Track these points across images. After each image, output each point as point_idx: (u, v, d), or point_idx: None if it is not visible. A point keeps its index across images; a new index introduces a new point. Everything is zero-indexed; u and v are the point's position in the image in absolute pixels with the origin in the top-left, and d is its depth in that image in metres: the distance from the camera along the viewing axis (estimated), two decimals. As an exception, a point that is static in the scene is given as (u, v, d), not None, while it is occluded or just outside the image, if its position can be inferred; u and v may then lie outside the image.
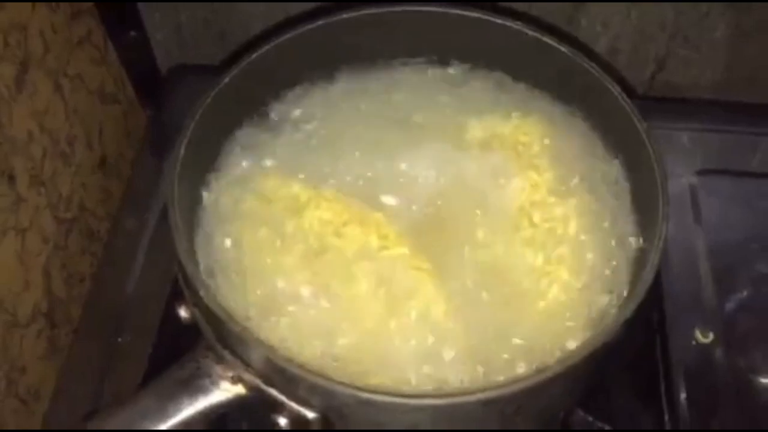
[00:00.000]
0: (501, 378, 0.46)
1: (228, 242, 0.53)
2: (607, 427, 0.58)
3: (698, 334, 0.64)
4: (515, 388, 0.42)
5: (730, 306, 0.66)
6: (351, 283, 0.50)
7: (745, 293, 0.67)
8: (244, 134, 0.58)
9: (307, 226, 0.52)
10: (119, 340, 0.65)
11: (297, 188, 0.54)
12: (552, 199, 0.54)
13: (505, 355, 0.48)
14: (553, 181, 0.56)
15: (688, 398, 0.61)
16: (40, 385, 0.64)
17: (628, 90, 0.56)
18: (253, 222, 0.53)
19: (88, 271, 0.71)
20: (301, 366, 0.44)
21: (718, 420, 0.60)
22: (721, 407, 0.61)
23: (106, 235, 0.73)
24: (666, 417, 0.61)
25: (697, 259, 0.68)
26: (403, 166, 0.56)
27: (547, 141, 0.58)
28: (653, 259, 0.46)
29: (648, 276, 0.46)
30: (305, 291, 0.50)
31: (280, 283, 0.50)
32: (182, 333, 0.52)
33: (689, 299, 0.66)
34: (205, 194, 0.55)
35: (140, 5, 0.76)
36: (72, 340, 0.67)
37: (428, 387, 0.46)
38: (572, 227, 0.54)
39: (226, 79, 0.54)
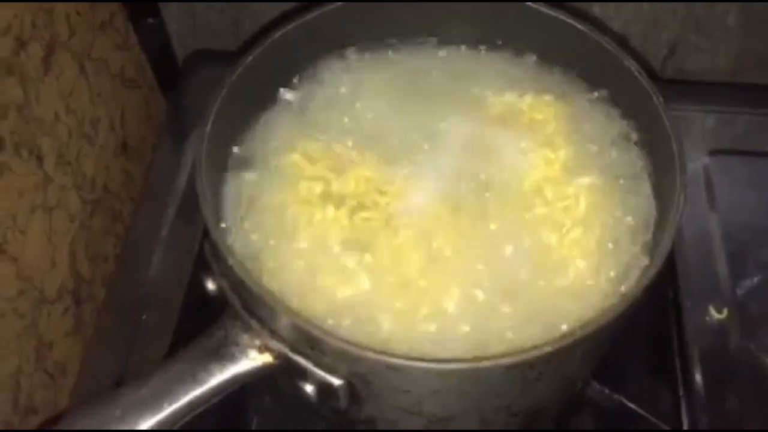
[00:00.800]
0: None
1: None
2: (623, 399, 0.59)
3: (712, 310, 0.64)
4: (537, 353, 0.43)
5: (743, 285, 0.67)
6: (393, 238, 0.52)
7: (758, 273, 0.68)
8: (271, 112, 0.59)
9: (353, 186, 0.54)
10: (143, 317, 0.66)
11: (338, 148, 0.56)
12: (567, 177, 0.55)
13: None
14: (569, 158, 0.56)
15: (702, 373, 0.62)
16: (67, 360, 0.65)
17: (647, 69, 0.56)
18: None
19: (112, 251, 0.72)
20: (327, 332, 0.45)
21: (732, 394, 0.61)
22: (735, 381, 0.62)
23: (129, 217, 0.74)
24: (681, 391, 0.62)
25: (711, 238, 0.69)
26: (427, 136, 0.58)
27: (562, 120, 0.58)
28: (671, 228, 0.47)
29: (666, 244, 0.47)
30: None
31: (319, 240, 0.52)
32: (204, 312, 0.53)
33: (703, 277, 0.66)
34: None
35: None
36: (97, 318, 0.68)
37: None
38: (586, 205, 0.54)
39: (251, 57, 0.55)
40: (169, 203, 0.72)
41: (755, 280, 0.68)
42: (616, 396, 0.59)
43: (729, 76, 0.80)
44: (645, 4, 0.74)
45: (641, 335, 0.64)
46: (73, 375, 0.65)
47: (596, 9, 0.75)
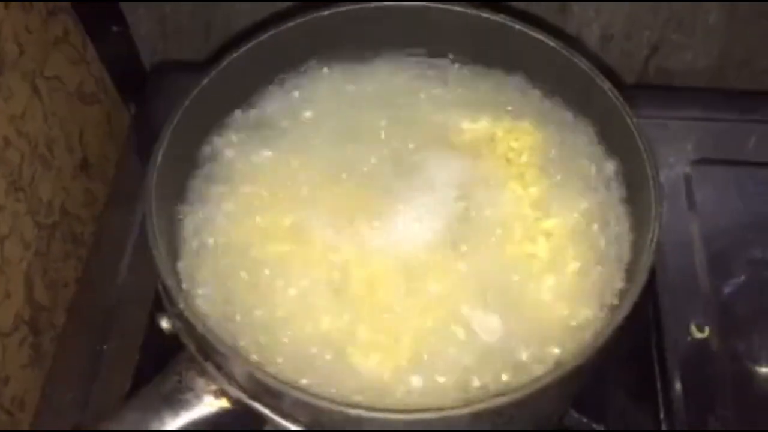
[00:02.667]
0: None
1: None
2: (601, 428, 0.57)
3: (694, 330, 0.63)
4: (504, 400, 0.41)
5: (726, 294, 0.66)
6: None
7: (741, 281, 0.67)
8: (227, 136, 0.57)
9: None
10: (104, 347, 0.64)
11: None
12: (535, 215, 0.53)
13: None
14: (540, 193, 0.54)
15: (684, 394, 0.60)
16: (25, 394, 0.63)
17: (618, 83, 0.54)
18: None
19: (73, 275, 0.69)
20: (284, 381, 0.42)
21: (714, 417, 0.60)
22: (717, 403, 0.60)
23: (91, 239, 0.72)
24: (662, 414, 0.60)
25: (692, 247, 0.68)
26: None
27: (538, 146, 0.56)
28: (643, 271, 0.45)
29: (636, 288, 0.45)
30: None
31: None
32: (169, 338, 0.51)
33: (684, 292, 0.65)
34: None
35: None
36: (56, 347, 0.66)
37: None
38: (551, 247, 0.52)
39: (205, 81, 0.53)
40: (133, 221, 0.70)
41: (737, 287, 0.66)
42: (595, 426, 0.58)
43: (711, 75, 0.79)
44: (626, 5, 0.73)
45: (621, 358, 0.62)
46: (32, 408, 0.63)
47: (576, 10, 0.74)
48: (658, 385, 0.61)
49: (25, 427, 0.62)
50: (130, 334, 0.64)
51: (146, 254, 0.66)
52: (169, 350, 0.50)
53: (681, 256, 0.67)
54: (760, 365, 0.63)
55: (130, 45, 0.78)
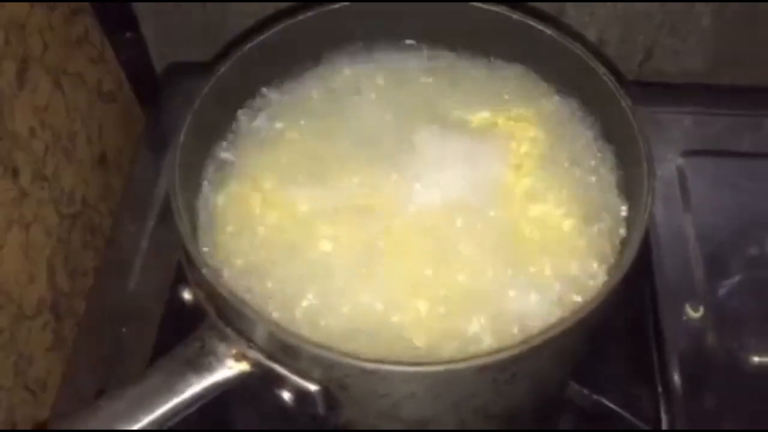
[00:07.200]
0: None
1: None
2: (602, 399, 0.59)
3: (689, 309, 0.65)
4: (506, 354, 0.44)
5: (720, 284, 0.68)
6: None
7: (734, 272, 0.69)
8: (241, 123, 0.59)
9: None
10: (123, 331, 0.66)
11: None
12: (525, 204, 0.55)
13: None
14: (539, 180, 0.56)
15: (680, 372, 0.62)
16: (47, 375, 0.65)
17: (617, 74, 0.57)
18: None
19: (91, 264, 0.72)
20: (301, 338, 0.45)
21: (710, 393, 0.62)
22: (713, 380, 0.62)
23: (108, 230, 0.74)
24: (659, 390, 0.62)
25: (687, 238, 0.70)
26: (397, 151, 0.58)
27: (537, 135, 0.59)
28: (637, 231, 0.48)
29: (633, 247, 0.47)
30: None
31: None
32: (184, 325, 0.53)
33: (679, 276, 0.67)
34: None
35: (135, 5, 0.77)
36: (77, 333, 0.68)
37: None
38: (559, 226, 0.54)
39: (219, 72, 0.55)
40: (148, 215, 0.73)
41: (731, 278, 0.68)
42: (595, 396, 0.60)
43: (705, 77, 0.81)
44: (620, 10, 0.75)
45: (620, 335, 0.65)
46: (53, 390, 0.65)
47: (571, 14, 0.76)
48: (655, 361, 0.63)
49: (47, 406, 0.64)
50: (146, 321, 0.66)
51: (161, 245, 0.71)
52: (184, 334, 0.51)
53: (675, 242, 0.69)
54: (753, 350, 0.65)
55: (142, 48, 0.81)
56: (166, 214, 0.72)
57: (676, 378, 0.62)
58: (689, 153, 0.75)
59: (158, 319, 0.66)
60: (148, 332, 0.66)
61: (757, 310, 0.67)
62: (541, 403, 0.57)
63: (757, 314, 0.66)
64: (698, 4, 0.74)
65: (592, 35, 0.78)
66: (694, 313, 0.65)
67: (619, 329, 0.65)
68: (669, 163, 0.74)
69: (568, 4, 0.75)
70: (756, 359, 0.64)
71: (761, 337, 0.65)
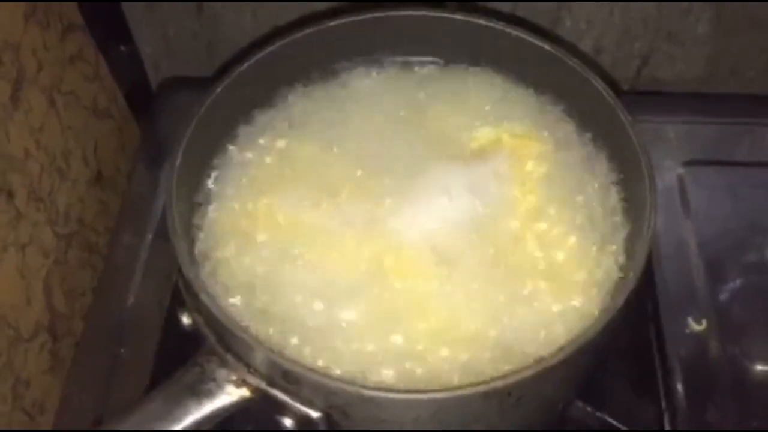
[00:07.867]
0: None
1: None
2: (606, 417, 0.59)
3: (691, 322, 0.65)
4: (512, 379, 0.43)
5: (722, 295, 0.67)
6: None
7: (736, 281, 0.68)
8: (240, 138, 0.59)
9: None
10: (121, 351, 0.66)
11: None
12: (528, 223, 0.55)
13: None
14: (540, 202, 0.56)
15: (684, 386, 0.62)
16: (45, 398, 0.64)
17: (613, 85, 0.56)
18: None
19: (89, 284, 0.71)
20: (301, 365, 0.44)
21: (714, 407, 0.61)
22: (717, 394, 0.62)
23: (106, 249, 0.74)
24: (663, 404, 0.62)
25: (688, 249, 0.69)
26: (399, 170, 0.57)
27: (538, 151, 0.59)
28: (641, 250, 0.47)
29: (638, 265, 0.47)
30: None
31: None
32: (183, 343, 0.53)
33: (681, 289, 0.67)
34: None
35: (128, 20, 0.76)
36: (74, 353, 0.68)
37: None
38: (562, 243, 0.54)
39: (219, 89, 0.55)
40: (145, 232, 0.72)
41: (733, 288, 0.68)
42: (599, 414, 0.59)
43: (702, 83, 0.80)
44: (616, 17, 0.75)
45: (622, 350, 0.64)
46: (51, 413, 0.64)
47: (568, 23, 0.75)
48: (659, 375, 0.63)
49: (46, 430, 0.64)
50: (145, 340, 0.65)
51: (159, 262, 0.70)
52: (183, 356, 0.51)
53: (676, 254, 0.69)
54: (757, 361, 0.65)
55: (137, 64, 0.81)
56: (164, 230, 0.70)
57: (680, 391, 0.62)
58: (689, 162, 0.74)
59: (157, 338, 0.66)
60: (147, 353, 0.65)
61: (761, 319, 0.66)
62: (545, 423, 0.57)
63: (760, 323, 0.66)
64: (694, 12, 0.74)
65: (588, 43, 0.77)
66: (697, 326, 0.65)
67: (622, 344, 0.64)
68: (669, 173, 0.74)
69: (564, 12, 0.75)
70: (759, 368, 0.64)
71: (765, 345, 0.65)
